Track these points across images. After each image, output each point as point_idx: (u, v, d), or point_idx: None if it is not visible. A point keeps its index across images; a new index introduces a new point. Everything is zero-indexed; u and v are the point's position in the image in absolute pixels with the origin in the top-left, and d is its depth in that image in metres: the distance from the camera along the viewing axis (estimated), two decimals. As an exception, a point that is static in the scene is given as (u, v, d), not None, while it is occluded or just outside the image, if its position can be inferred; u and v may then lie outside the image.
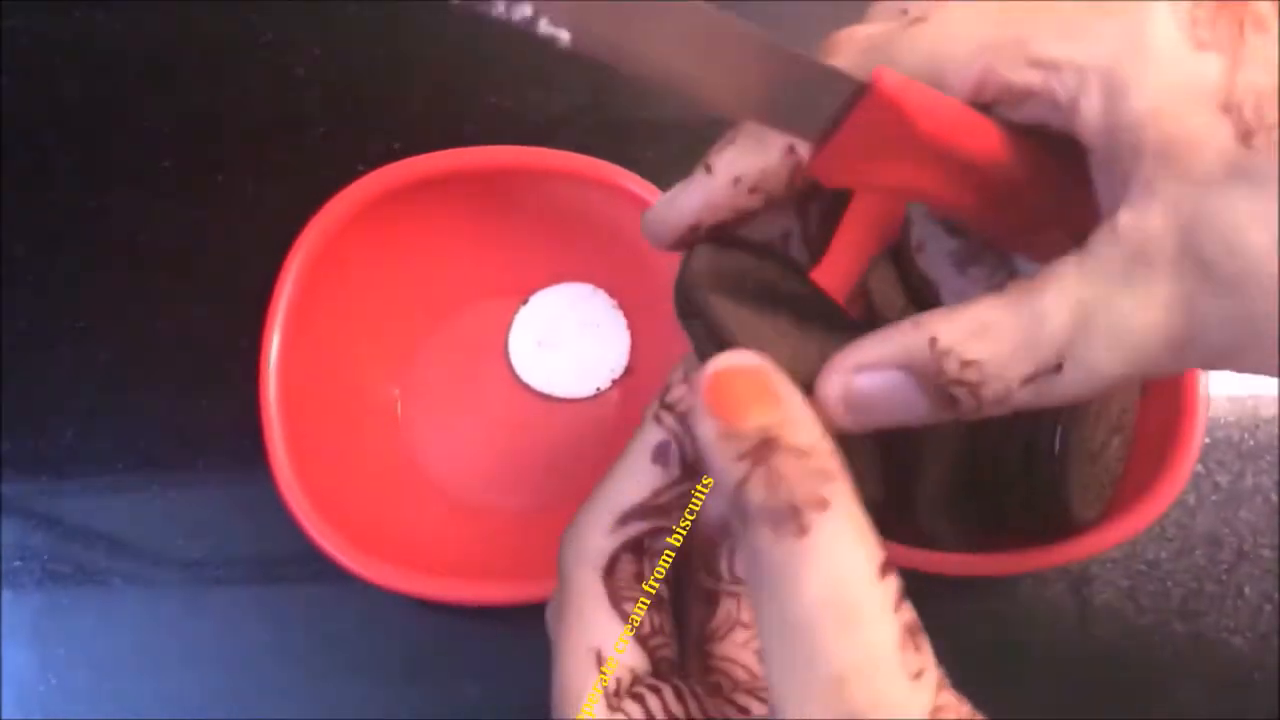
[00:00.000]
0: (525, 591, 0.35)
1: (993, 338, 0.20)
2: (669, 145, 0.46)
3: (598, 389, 0.42)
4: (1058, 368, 0.20)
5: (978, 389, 0.21)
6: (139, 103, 0.47)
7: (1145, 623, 0.40)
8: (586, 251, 0.41)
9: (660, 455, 0.22)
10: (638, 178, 0.38)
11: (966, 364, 0.20)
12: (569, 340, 0.42)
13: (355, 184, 0.38)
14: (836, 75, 0.19)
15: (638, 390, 0.42)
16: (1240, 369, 0.20)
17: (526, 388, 0.42)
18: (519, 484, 0.41)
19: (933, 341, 0.20)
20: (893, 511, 0.35)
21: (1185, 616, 0.41)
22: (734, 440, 0.19)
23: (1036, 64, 0.19)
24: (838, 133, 0.20)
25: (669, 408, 0.23)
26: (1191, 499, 0.42)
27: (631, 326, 0.42)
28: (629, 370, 0.42)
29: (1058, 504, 0.34)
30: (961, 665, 0.39)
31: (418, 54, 0.48)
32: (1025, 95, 0.20)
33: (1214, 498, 0.42)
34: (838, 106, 0.20)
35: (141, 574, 0.41)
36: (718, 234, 0.22)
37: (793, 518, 0.19)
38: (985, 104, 0.20)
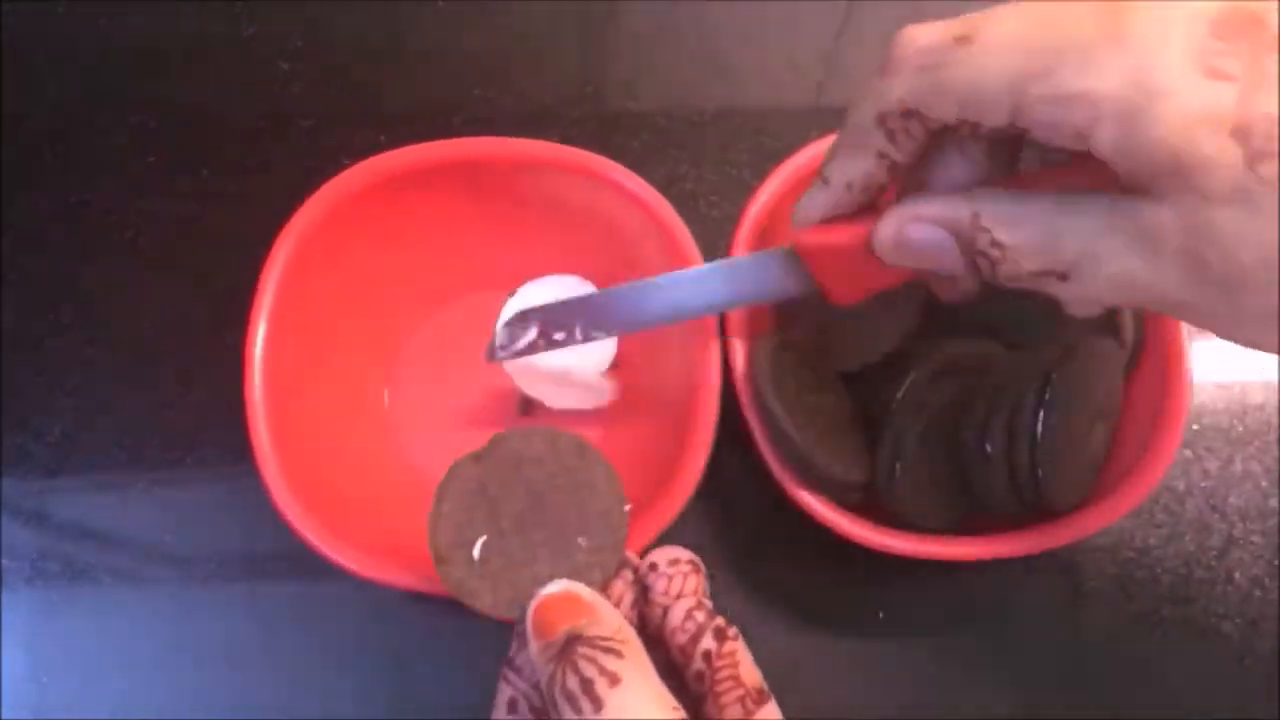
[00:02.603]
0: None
1: (1022, 232, 0.24)
2: (654, 135, 0.46)
3: (586, 381, 0.42)
4: (1063, 276, 0.24)
5: (996, 264, 0.25)
6: (124, 98, 0.47)
7: (1135, 609, 0.41)
8: (573, 243, 0.41)
9: (512, 707, 0.26)
10: (624, 169, 0.37)
11: (995, 243, 0.25)
12: (556, 332, 0.42)
13: (340, 176, 0.38)
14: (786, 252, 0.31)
15: (625, 383, 0.42)
16: (1214, 333, 0.24)
17: (514, 381, 0.42)
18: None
19: (975, 216, 0.25)
20: (876, 495, 0.35)
21: (1175, 603, 0.41)
22: (549, 648, 0.24)
23: (1057, 99, 0.22)
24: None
25: (516, 669, 0.27)
26: (1181, 485, 0.42)
27: (619, 318, 0.42)
28: (616, 363, 0.42)
29: (1041, 489, 0.34)
30: (948, 652, 0.39)
31: (403, 47, 0.48)
32: (1050, 128, 0.23)
33: (1203, 484, 0.42)
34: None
35: (131, 571, 0.41)
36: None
37: (586, 692, 0.22)
38: (1021, 130, 0.23)
